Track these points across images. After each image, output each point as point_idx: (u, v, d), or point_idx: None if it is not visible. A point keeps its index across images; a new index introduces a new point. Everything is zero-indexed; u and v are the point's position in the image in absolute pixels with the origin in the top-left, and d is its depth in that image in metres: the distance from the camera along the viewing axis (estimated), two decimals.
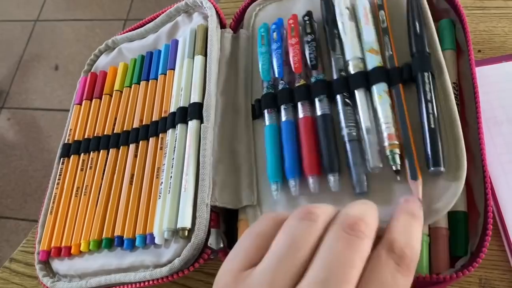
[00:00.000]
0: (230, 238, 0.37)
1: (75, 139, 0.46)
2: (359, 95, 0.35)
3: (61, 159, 0.46)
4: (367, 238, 0.23)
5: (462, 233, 0.33)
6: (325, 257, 0.22)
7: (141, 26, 0.49)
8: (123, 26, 1.65)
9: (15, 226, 1.41)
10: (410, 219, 0.25)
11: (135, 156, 0.41)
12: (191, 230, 0.34)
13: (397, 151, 0.32)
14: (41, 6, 1.79)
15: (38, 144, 1.49)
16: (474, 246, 0.32)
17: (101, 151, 0.44)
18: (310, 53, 0.38)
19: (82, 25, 1.71)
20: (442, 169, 0.31)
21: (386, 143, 0.33)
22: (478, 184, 0.34)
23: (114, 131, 0.44)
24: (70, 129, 0.47)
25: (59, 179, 0.45)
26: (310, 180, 0.34)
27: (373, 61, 0.36)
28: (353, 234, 0.23)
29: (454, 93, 0.37)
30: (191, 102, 0.39)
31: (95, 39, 1.65)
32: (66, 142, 0.47)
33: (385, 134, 0.33)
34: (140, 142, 0.42)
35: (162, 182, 0.38)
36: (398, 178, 0.32)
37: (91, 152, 0.44)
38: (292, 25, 0.40)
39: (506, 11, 0.45)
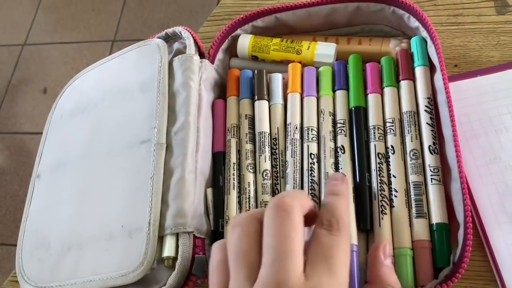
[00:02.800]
0: None
1: None
2: None
3: None
4: (294, 210, 0.26)
5: (444, 244, 0.34)
6: (267, 239, 0.26)
7: None
8: (111, 47, 1.66)
9: (7, 252, 1.39)
10: (334, 198, 0.30)
11: None
12: (175, 259, 0.35)
13: None
14: (28, 30, 1.79)
15: (28, 168, 1.48)
16: (457, 257, 0.33)
17: None
18: None
19: (69, 47, 1.71)
20: None
21: None
22: (456, 195, 0.35)
23: None
24: None
25: None
26: None
27: None
28: (280, 211, 0.26)
29: (429, 108, 0.38)
30: None
31: (82, 61, 1.65)
32: None
33: None
34: None
35: None
36: None
37: None
38: None
39: (480, 26, 0.46)
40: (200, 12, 1.62)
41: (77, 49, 1.70)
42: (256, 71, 0.44)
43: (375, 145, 0.38)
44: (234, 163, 0.40)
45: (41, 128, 0.48)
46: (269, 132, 0.41)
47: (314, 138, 0.39)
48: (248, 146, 0.41)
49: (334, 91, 0.41)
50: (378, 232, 0.35)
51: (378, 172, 0.37)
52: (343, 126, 0.39)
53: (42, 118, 1.55)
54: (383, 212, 0.36)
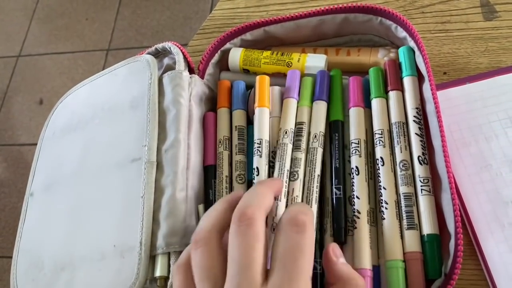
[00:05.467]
0: None
1: None
2: None
3: None
4: (255, 221, 0.27)
5: (435, 256, 0.34)
6: (230, 252, 0.27)
7: None
8: (105, 56, 1.66)
9: (7, 264, 1.39)
10: (298, 206, 0.30)
11: None
12: (167, 278, 0.35)
13: None
14: (22, 42, 1.80)
15: (27, 180, 1.47)
16: (448, 268, 0.33)
17: None
18: None
19: (64, 57, 1.71)
20: None
21: None
22: (447, 206, 0.35)
23: None
24: None
25: None
26: None
27: None
28: (242, 224, 0.27)
29: (417, 118, 0.38)
30: None
31: (78, 71, 1.65)
32: None
33: None
34: None
35: None
36: None
37: None
38: None
39: (467, 32, 0.46)
40: (193, 18, 1.63)
41: (72, 59, 1.70)
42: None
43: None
44: (226, 176, 0.40)
45: (38, 139, 0.48)
46: (269, 140, 0.40)
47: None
48: (238, 157, 0.41)
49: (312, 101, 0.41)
50: None
51: None
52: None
53: (38, 129, 1.55)
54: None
